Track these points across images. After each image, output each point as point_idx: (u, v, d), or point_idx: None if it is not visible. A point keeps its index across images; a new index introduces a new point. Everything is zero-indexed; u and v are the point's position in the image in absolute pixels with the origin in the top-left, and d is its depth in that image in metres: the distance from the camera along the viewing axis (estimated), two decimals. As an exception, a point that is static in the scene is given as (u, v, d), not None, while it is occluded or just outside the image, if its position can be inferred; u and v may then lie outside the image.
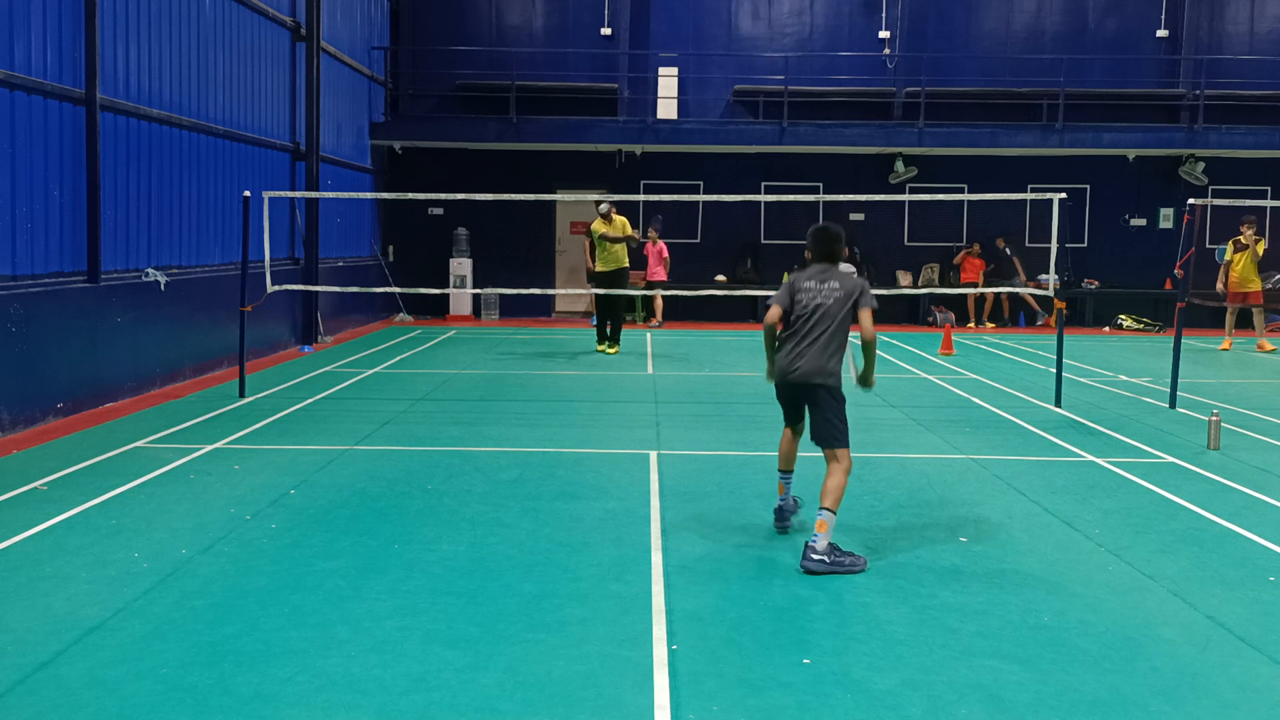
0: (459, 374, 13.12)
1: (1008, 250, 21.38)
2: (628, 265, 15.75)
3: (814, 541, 5.62)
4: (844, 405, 5.93)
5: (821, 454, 5.93)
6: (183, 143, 12.54)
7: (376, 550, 5.87)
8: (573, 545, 6.01)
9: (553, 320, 21.68)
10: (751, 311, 21.46)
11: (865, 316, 5.90)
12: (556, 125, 20.93)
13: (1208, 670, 4.41)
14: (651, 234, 19.72)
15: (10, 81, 9.22)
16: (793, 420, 6.31)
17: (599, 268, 15.51)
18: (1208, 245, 21.31)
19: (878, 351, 6.33)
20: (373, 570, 5.53)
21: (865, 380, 6.07)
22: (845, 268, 6.18)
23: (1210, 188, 21.46)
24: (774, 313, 6.02)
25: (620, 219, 15.61)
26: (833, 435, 5.86)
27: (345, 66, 18.45)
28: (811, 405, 5.97)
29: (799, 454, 6.40)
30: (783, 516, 6.36)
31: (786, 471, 6.39)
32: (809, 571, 5.56)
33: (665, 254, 20.07)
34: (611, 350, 15.37)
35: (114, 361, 10.63)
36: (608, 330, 15.48)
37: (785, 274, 19.91)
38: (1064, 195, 11.42)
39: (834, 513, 5.66)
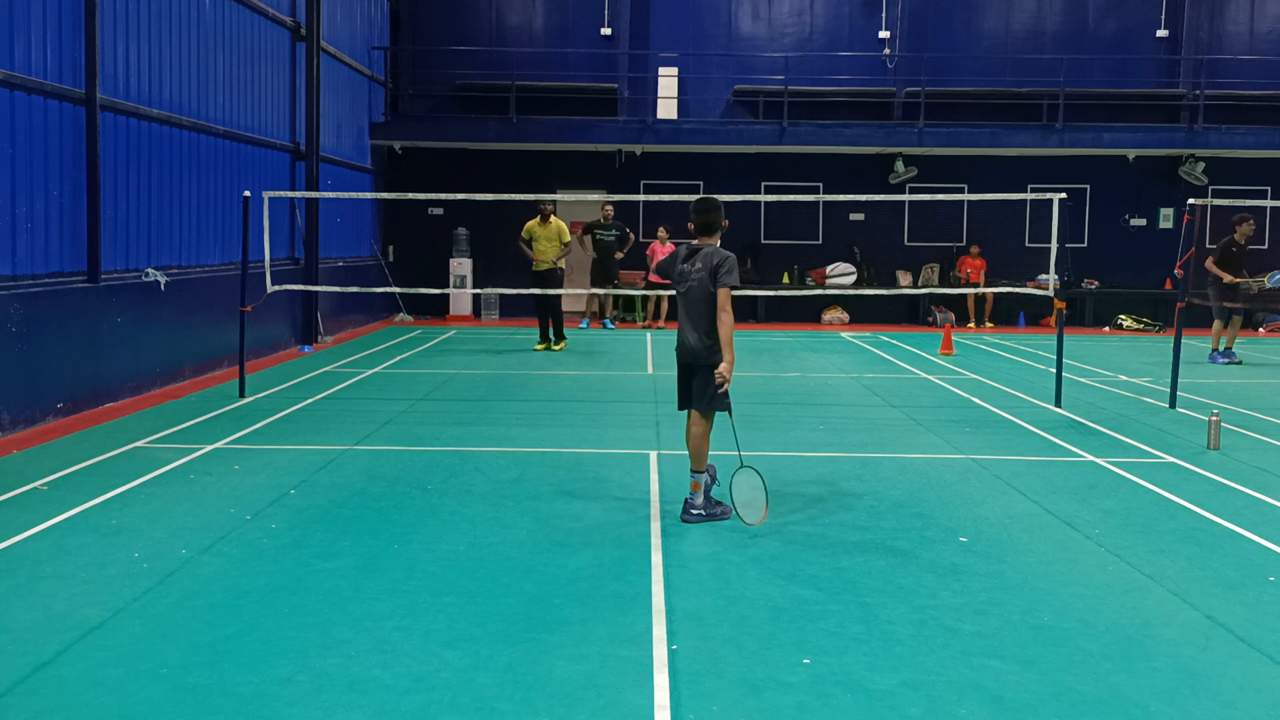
0: (459, 374, 13.11)
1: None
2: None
3: (693, 498, 6.56)
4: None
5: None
6: (183, 143, 12.54)
7: (376, 550, 5.87)
8: (573, 545, 6.01)
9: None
10: (751, 311, 21.47)
11: (723, 295, 6.68)
12: (556, 125, 20.92)
13: (1208, 670, 4.41)
14: (662, 234, 19.66)
15: (10, 81, 9.22)
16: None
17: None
18: (1207, 245, 21.31)
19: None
20: (373, 570, 5.53)
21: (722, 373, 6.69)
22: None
23: (1210, 188, 21.46)
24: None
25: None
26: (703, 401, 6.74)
27: (345, 66, 18.45)
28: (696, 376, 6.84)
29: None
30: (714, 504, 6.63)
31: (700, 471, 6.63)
32: (688, 521, 6.49)
33: None
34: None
35: (114, 361, 10.62)
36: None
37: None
38: (1064, 195, 11.42)
39: (704, 472, 6.57)
